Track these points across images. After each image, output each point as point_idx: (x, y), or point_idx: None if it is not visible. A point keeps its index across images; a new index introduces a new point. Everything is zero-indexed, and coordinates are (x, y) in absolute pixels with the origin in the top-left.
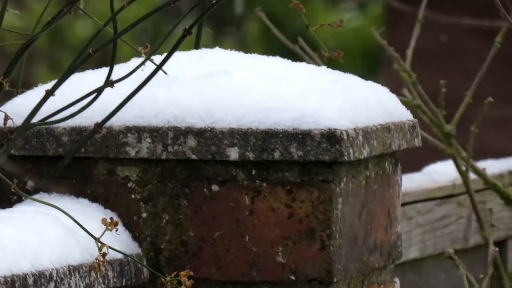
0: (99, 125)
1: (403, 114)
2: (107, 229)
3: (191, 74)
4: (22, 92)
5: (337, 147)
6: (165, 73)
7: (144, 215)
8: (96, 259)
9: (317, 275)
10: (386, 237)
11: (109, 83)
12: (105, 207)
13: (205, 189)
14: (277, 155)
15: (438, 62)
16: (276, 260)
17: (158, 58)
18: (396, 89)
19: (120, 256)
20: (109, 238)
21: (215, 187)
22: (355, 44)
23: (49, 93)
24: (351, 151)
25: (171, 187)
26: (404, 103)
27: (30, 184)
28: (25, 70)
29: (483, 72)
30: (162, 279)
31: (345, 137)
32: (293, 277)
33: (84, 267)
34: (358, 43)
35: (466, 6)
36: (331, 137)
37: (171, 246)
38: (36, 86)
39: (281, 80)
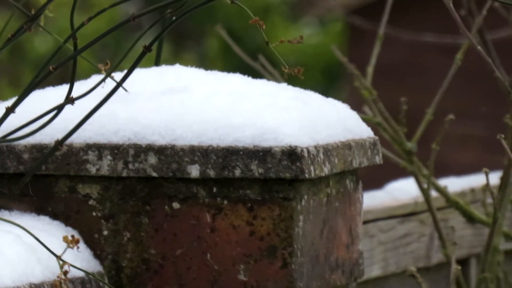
0: (59, 143)
1: (364, 131)
2: (68, 247)
3: (151, 90)
4: None
5: (297, 164)
6: (126, 90)
7: (105, 232)
8: (58, 277)
9: None
10: (348, 255)
11: (69, 100)
12: (66, 225)
13: (166, 207)
14: (238, 172)
15: (399, 78)
16: (238, 278)
17: (118, 75)
18: (357, 105)
19: (81, 274)
20: (70, 256)
21: (176, 205)
22: (315, 59)
23: (10, 110)
24: (312, 168)
25: (132, 205)
26: (365, 120)
27: None
28: None
29: (444, 89)
30: None
31: (305, 154)
32: None
33: (45, 285)
34: (319, 58)
35: (427, 23)
36: (292, 154)
37: (133, 264)
38: None
39: (241, 97)
